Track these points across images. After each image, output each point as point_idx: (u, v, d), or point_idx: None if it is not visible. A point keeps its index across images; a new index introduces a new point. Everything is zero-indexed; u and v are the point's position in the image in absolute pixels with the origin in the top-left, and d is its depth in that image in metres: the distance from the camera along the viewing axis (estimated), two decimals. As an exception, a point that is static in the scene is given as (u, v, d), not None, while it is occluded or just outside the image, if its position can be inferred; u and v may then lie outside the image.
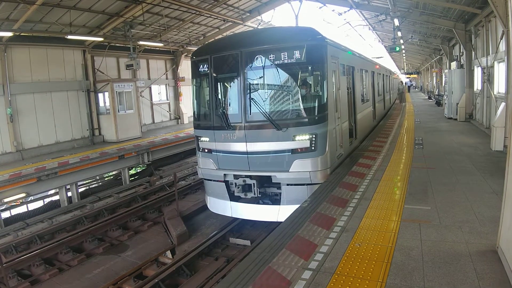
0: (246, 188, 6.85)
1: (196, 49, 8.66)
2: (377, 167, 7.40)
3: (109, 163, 12.88)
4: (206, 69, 7.22)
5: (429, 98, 30.29)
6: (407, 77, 51.83)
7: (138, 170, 16.32)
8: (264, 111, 6.60)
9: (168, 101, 22.01)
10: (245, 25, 20.29)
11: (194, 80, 7.73)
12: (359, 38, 30.40)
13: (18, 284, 6.74)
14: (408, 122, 15.04)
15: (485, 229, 4.15)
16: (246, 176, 6.85)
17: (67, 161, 11.90)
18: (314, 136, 6.45)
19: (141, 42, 16.90)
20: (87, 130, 15.74)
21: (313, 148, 6.47)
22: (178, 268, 6.72)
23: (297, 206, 5.44)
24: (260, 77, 6.75)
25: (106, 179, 15.43)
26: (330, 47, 7.03)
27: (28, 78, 13.37)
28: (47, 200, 12.70)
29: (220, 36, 19.29)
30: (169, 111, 22.02)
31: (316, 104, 6.62)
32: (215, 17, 17.99)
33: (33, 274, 7.19)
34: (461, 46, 15.04)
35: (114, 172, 14.83)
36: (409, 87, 47.98)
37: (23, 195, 10.55)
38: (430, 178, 6.44)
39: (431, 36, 21.27)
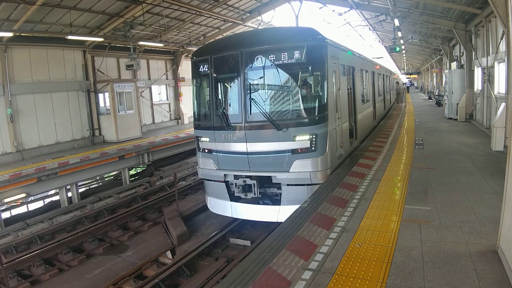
0: (246, 188, 6.85)
1: (196, 49, 8.66)
2: (377, 168, 7.40)
3: (109, 164, 12.88)
4: (206, 69, 7.22)
5: (429, 98, 30.27)
6: (407, 77, 51.83)
7: (138, 171, 16.32)
8: (264, 111, 6.60)
9: (168, 102, 22.01)
10: (245, 26, 20.29)
11: (194, 80, 7.73)
12: (359, 38, 30.44)
13: (18, 284, 6.74)
14: (408, 122, 15.04)
15: (485, 229, 4.15)
16: (246, 177, 6.84)
17: (67, 161, 11.91)
18: (314, 136, 6.45)
19: (141, 43, 16.91)
20: (87, 130, 15.74)
21: (313, 148, 6.47)
22: (178, 269, 6.72)
23: (297, 206, 5.43)
24: (260, 77, 6.76)
25: (106, 179, 15.43)
26: (330, 47, 7.03)
27: (28, 78, 13.38)
28: (47, 200, 12.71)
29: (220, 37, 19.30)
30: (169, 111, 22.03)
31: (316, 104, 6.62)
32: (215, 18, 18.00)
33: (33, 274, 7.19)
34: (461, 46, 15.04)
35: (114, 173, 14.83)
36: (408, 87, 47.74)
37: (23, 195, 10.55)
38: (430, 178, 6.44)
39: (431, 36, 21.27)
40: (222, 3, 16.95)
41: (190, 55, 8.67)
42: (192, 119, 9.28)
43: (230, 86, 7.15)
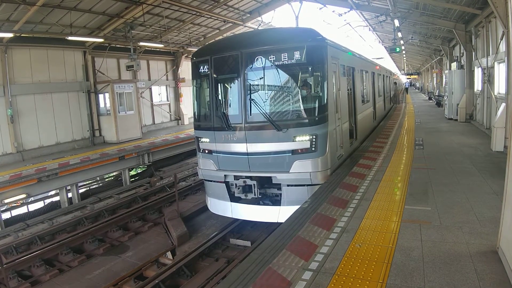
0: (247, 189, 6.85)
1: (196, 50, 8.67)
2: (378, 168, 7.40)
3: (109, 164, 12.89)
4: (206, 70, 7.22)
5: (430, 99, 30.26)
6: (408, 78, 51.77)
7: (139, 171, 16.33)
8: (264, 112, 6.60)
9: (169, 102, 22.02)
10: (245, 26, 20.31)
11: (195, 81, 7.73)
12: (360, 39, 30.45)
13: (19, 285, 6.75)
14: (408, 122, 15.05)
15: (485, 229, 4.15)
16: (247, 177, 6.84)
17: (68, 162, 11.91)
18: (314, 137, 6.45)
19: (141, 43, 16.93)
20: (88, 131, 15.75)
21: (313, 149, 6.47)
22: (178, 269, 6.73)
23: (297, 207, 5.43)
24: (260, 78, 6.76)
25: (106, 180, 15.43)
26: (331, 48, 7.04)
27: (29, 79, 13.39)
28: (47, 201, 12.70)
29: (220, 37, 19.32)
30: (170, 112, 22.04)
31: (317, 105, 6.62)
32: (216, 18, 18.02)
33: (33, 275, 7.19)
34: (461, 46, 15.05)
35: (114, 173, 14.84)
36: (406, 88, 47.49)
37: (23, 196, 10.56)
38: (431, 178, 6.44)
39: (431, 36, 21.28)
40: (222, 4, 16.97)
41: (190, 56, 8.68)
42: (192, 119, 9.29)
43: (230, 87, 7.16)
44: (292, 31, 8.41)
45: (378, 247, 3.91)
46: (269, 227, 7.73)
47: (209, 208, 8.02)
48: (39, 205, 12.47)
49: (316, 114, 6.58)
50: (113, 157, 12.93)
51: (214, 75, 7.11)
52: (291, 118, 6.65)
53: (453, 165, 7.40)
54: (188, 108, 21.97)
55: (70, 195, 11.78)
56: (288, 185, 6.72)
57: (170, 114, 22.01)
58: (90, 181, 14.49)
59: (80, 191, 12.62)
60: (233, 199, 7.25)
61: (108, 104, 16.00)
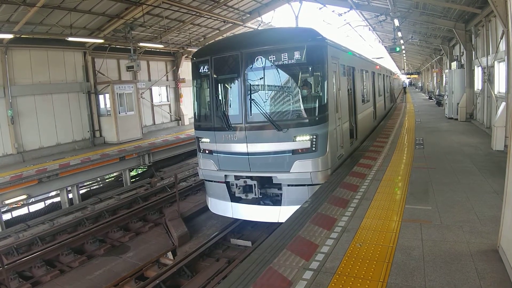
0: (247, 189, 6.85)
1: (196, 50, 8.68)
2: (378, 168, 7.40)
3: (110, 165, 12.90)
4: (206, 70, 7.22)
5: (430, 98, 30.24)
6: (408, 77, 51.74)
7: (139, 172, 16.34)
8: (264, 112, 6.60)
9: (169, 103, 22.04)
10: (245, 26, 20.32)
11: (195, 81, 7.73)
12: (359, 38, 30.45)
13: (20, 285, 6.75)
14: (408, 122, 15.04)
15: (486, 228, 4.15)
16: (247, 177, 6.84)
17: (68, 162, 11.92)
18: (314, 136, 6.45)
19: (141, 44, 16.94)
20: (88, 131, 15.77)
21: (313, 148, 6.47)
22: (179, 269, 6.73)
23: (298, 206, 5.43)
24: (260, 78, 6.76)
25: (107, 180, 15.44)
26: (331, 47, 7.03)
27: (29, 80, 13.41)
28: (48, 201, 12.72)
29: (220, 37, 19.32)
30: (170, 112, 22.05)
31: (317, 105, 6.62)
32: (215, 19, 18.04)
33: (34, 275, 7.20)
34: (461, 46, 15.05)
35: (115, 174, 14.84)
36: (404, 88, 47.32)
37: (24, 197, 10.57)
38: (431, 178, 6.43)
39: (431, 36, 21.27)
40: (222, 4, 16.99)
41: (190, 56, 8.68)
42: (192, 120, 9.30)
43: (231, 87, 7.16)
44: (292, 31, 8.40)
45: (378, 246, 3.91)
46: (270, 227, 7.73)
47: (209, 208, 8.02)
48: (40, 206, 12.49)
49: (317, 114, 6.58)
50: (113, 157, 12.94)
51: (214, 75, 7.12)
52: (291, 118, 6.64)
53: (453, 164, 7.40)
54: (188, 108, 21.99)
55: (70, 195, 11.80)
56: (288, 185, 6.72)
57: (170, 115, 22.03)
58: (90, 182, 14.48)
59: (81, 191, 12.63)
60: (234, 199, 7.25)
61: (108, 105, 16.03)
